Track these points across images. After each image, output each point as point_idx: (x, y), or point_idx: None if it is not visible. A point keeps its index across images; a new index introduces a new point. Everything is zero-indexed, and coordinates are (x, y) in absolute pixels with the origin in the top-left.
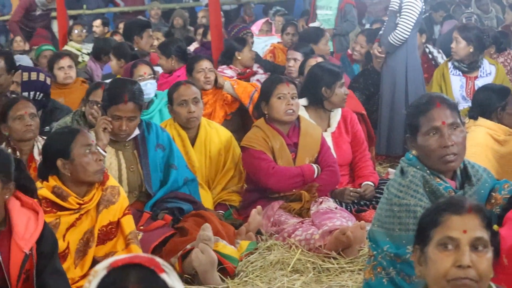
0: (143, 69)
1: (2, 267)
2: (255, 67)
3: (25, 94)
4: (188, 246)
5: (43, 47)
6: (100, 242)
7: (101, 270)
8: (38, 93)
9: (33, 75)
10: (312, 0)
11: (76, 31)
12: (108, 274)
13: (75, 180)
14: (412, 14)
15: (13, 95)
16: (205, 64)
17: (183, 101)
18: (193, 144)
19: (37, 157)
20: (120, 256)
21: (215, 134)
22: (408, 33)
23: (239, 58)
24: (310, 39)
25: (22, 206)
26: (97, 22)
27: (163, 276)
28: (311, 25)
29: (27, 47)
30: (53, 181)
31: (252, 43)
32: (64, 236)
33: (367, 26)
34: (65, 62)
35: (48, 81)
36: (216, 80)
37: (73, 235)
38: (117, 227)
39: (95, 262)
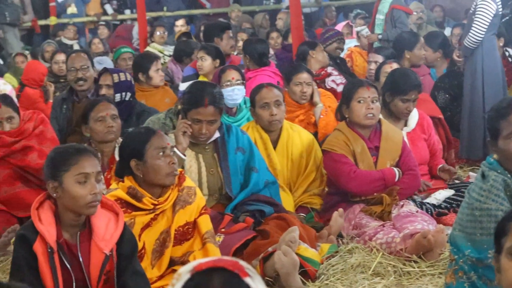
0: (231, 74)
1: (83, 268)
2: (330, 69)
3: (117, 95)
4: (270, 249)
5: (122, 49)
6: (177, 242)
7: (184, 273)
8: (127, 93)
9: (122, 76)
10: (375, 4)
11: (158, 33)
12: (191, 278)
13: (147, 182)
14: (485, 16)
15: (105, 98)
16: (304, 77)
17: (265, 104)
18: (275, 146)
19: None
20: (204, 260)
21: (297, 136)
22: (482, 36)
23: (313, 57)
24: (405, 44)
25: (102, 208)
26: (180, 21)
27: (247, 280)
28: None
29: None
30: (128, 182)
31: (341, 49)
32: (139, 236)
33: (448, 29)
34: (158, 65)
35: (133, 81)
36: (312, 96)
37: (149, 236)
38: (194, 227)
39: (172, 262)
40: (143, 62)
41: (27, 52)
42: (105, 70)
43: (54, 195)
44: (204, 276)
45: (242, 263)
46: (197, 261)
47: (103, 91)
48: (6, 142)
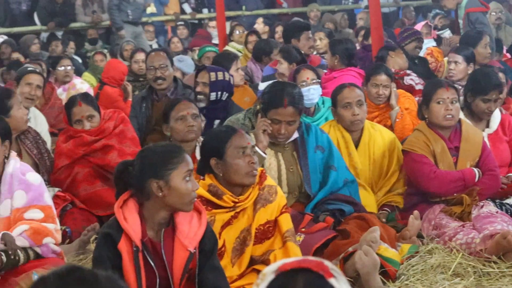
0: (306, 74)
1: (166, 266)
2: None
3: (213, 94)
4: (350, 249)
5: (207, 48)
6: (257, 241)
7: (269, 273)
8: (224, 93)
9: (220, 75)
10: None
11: (237, 32)
12: (276, 278)
13: (227, 181)
14: None
15: (186, 97)
16: (382, 79)
17: (347, 104)
18: (356, 146)
19: (199, 158)
20: (288, 260)
21: (379, 136)
22: None
23: (392, 57)
24: (470, 42)
25: None
26: (259, 20)
27: (332, 281)
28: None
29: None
30: (209, 179)
31: (420, 48)
32: (219, 234)
33: None
34: (238, 64)
35: (232, 80)
36: (389, 98)
37: (229, 234)
38: (275, 226)
39: (252, 261)
40: (222, 61)
41: (105, 51)
42: (204, 68)
43: (160, 194)
44: (288, 277)
45: (327, 263)
46: (282, 261)
47: (199, 88)
48: (87, 141)
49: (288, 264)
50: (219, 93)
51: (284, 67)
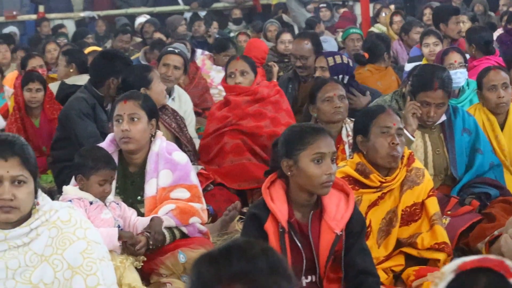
0: (454, 57)
1: (312, 247)
2: None
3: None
4: (496, 232)
5: (351, 30)
6: (403, 223)
7: (448, 273)
8: (345, 75)
9: (337, 59)
10: None
11: (383, 14)
12: (456, 278)
13: (370, 160)
14: None
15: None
16: None
17: (492, 86)
18: (502, 128)
19: (345, 139)
20: (467, 258)
21: None
22: None
23: None
24: None
25: (333, 188)
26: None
27: None
28: None
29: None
30: (357, 158)
31: None
32: (366, 214)
33: None
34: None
35: (351, 63)
36: None
37: (375, 214)
38: (421, 208)
39: (399, 244)
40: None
41: (249, 31)
42: (320, 54)
43: (289, 173)
44: (469, 277)
45: (508, 263)
46: (460, 260)
47: (318, 73)
48: (239, 104)
49: (468, 264)
50: (340, 76)
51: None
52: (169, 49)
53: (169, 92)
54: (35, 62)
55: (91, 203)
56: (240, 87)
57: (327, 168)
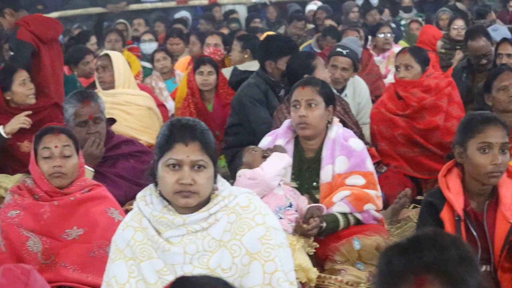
0: None
1: (487, 236)
2: None
3: None
4: None
5: None
6: None
7: None
8: None
9: None
10: None
11: None
12: None
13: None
14: None
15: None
16: None
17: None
18: None
19: None
20: None
21: None
22: None
23: None
24: None
25: (508, 177)
26: None
27: None
28: None
29: None
30: None
31: None
32: None
33: None
34: None
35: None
36: None
37: None
38: None
39: None
40: None
41: (421, 19)
42: (504, 40)
43: (459, 160)
44: None
45: None
46: None
47: (503, 60)
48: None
49: None
50: None
51: None
52: (338, 50)
53: (341, 90)
54: (212, 40)
55: None
56: (405, 80)
57: (493, 159)
